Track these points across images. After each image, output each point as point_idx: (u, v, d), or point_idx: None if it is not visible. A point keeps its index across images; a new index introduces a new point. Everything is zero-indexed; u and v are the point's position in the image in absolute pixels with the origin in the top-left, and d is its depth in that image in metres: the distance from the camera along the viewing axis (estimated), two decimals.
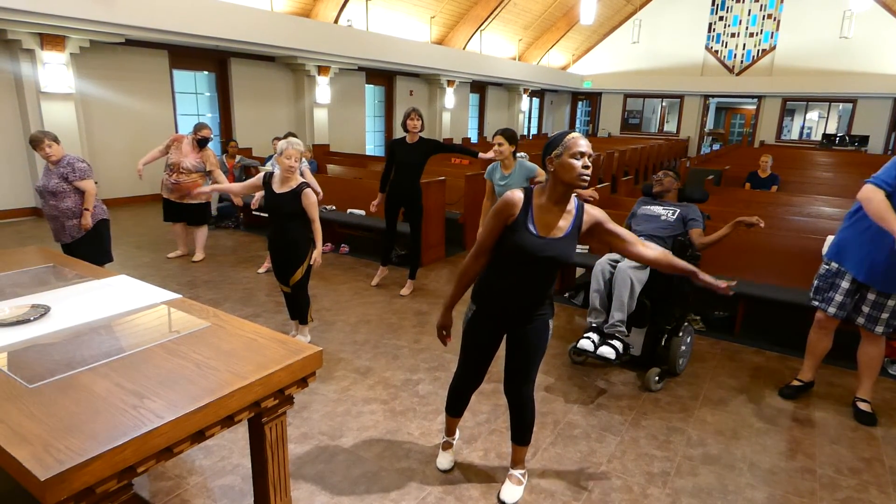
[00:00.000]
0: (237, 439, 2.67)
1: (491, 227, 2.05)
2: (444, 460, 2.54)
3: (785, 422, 3.03)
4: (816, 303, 3.12)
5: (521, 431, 2.33)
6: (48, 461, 1.28)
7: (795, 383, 3.30)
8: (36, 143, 3.76)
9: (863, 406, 3.10)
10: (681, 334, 3.43)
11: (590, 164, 1.96)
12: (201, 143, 5.47)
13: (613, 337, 3.23)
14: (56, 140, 3.83)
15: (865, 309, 2.98)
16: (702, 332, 4.21)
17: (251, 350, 1.88)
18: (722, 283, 2.21)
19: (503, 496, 2.32)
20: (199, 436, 1.59)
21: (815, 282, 3.13)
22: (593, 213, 2.09)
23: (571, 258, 2.07)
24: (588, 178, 1.97)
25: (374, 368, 3.46)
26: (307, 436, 2.74)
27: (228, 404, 1.62)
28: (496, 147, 3.80)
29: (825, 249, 3.30)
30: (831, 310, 3.04)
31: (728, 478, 2.53)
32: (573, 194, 2.04)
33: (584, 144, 1.95)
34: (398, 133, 11.37)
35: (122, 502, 1.43)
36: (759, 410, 3.14)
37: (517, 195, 2.02)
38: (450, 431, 2.58)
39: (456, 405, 2.47)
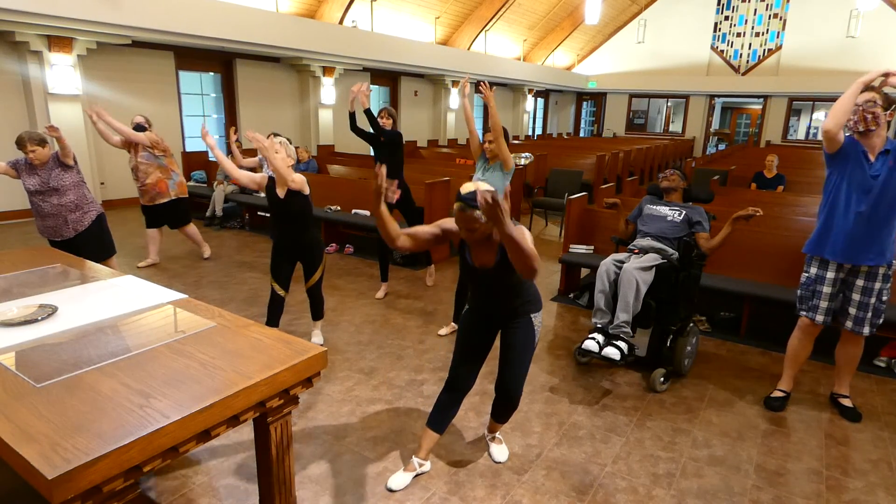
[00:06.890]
0: (242, 439, 2.68)
1: None
2: (397, 479, 2.37)
3: (791, 423, 3.02)
4: (803, 312, 3.06)
5: (504, 415, 2.54)
6: (55, 460, 1.28)
7: (779, 394, 3.20)
8: (20, 144, 3.61)
9: (845, 402, 3.12)
10: (686, 335, 3.43)
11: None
12: (137, 130, 5.30)
13: (618, 338, 3.22)
14: (42, 144, 3.68)
15: (852, 311, 2.94)
16: (707, 333, 4.20)
17: (256, 350, 1.89)
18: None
19: (495, 457, 2.60)
20: (205, 435, 1.59)
21: (798, 291, 3.08)
22: None
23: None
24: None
25: (378, 369, 3.47)
26: (312, 436, 2.74)
27: (234, 404, 1.63)
28: (486, 144, 3.76)
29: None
30: (819, 318, 2.98)
31: (733, 479, 2.52)
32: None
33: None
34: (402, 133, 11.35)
35: (129, 501, 1.44)
36: (765, 412, 3.12)
37: None
38: (422, 451, 2.45)
39: (438, 412, 2.43)
